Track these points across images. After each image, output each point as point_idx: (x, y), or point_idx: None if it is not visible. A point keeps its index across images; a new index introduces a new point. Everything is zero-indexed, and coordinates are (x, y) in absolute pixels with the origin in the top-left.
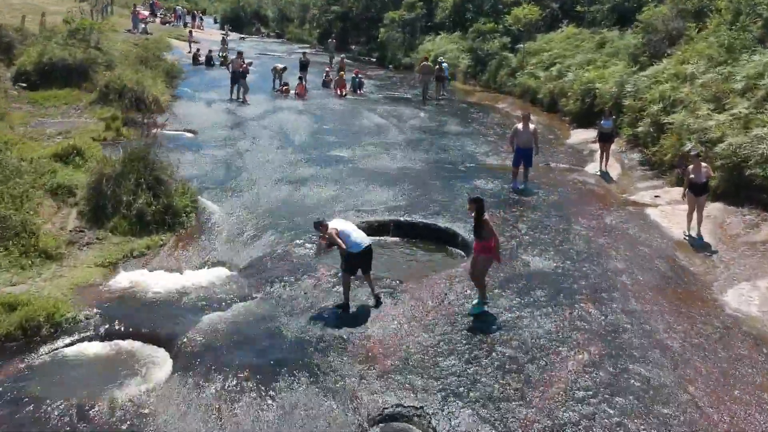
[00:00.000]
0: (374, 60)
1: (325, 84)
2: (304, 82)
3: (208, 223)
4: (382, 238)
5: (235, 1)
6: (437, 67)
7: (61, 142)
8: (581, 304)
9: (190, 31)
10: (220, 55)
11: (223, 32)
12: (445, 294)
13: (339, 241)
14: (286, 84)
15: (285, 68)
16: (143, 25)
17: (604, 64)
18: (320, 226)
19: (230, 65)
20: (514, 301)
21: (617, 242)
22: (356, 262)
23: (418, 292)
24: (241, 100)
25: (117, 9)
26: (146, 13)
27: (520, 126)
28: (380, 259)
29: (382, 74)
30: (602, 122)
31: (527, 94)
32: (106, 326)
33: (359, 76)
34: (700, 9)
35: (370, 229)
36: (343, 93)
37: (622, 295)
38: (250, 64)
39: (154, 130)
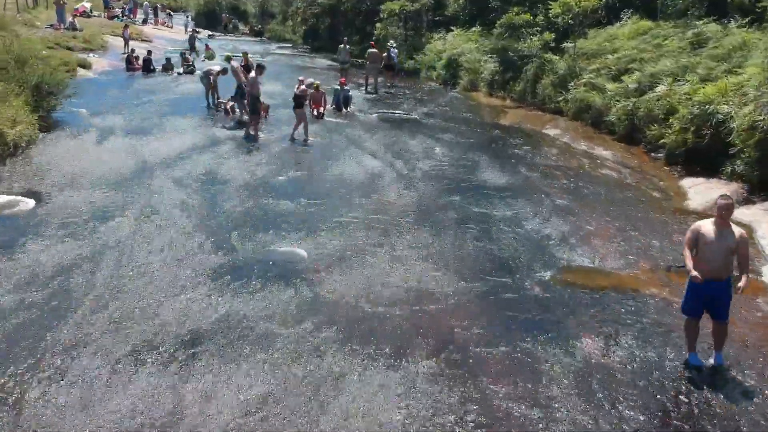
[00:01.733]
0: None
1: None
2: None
3: None
4: None
5: None
6: (385, 54)
7: None
8: None
9: (126, 26)
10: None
11: (193, 30)
12: None
13: None
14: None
15: (224, 71)
16: (71, 20)
17: (709, 74)
18: None
19: (246, 85)
20: None
21: None
22: None
23: None
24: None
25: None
26: (88, 5)
27: (707, 227)
28: None
29: (379, 83)
30: None
31: (586, 115)
32: None
33: (346, 87)
34: None
35: None
36: (321, 113)
37: None
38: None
39: None
